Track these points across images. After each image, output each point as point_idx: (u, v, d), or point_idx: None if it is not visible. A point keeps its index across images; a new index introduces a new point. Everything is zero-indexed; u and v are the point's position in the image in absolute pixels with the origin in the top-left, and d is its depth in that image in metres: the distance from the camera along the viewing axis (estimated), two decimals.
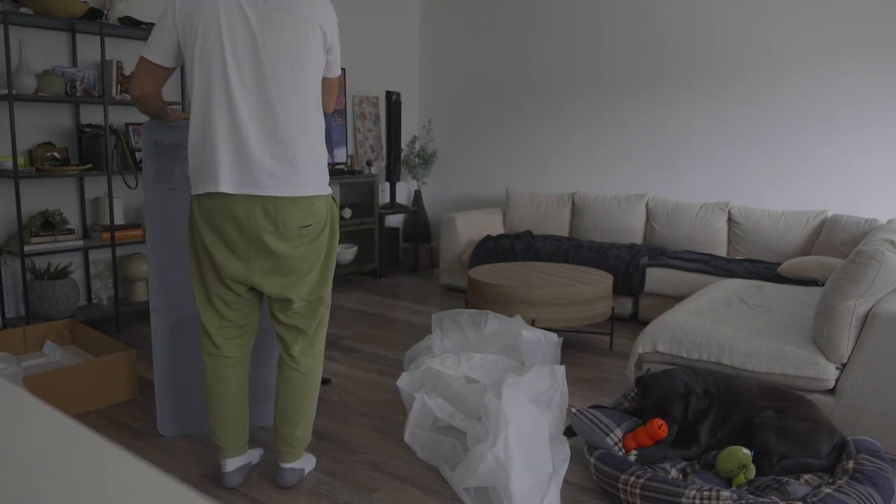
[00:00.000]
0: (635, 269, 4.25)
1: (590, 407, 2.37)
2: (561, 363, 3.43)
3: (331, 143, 5.35)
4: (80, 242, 3.87)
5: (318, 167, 2.08)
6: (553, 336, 3.20)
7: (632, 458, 2.24)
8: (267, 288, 2.10)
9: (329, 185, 2.15)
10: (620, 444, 2.27)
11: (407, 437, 2.54)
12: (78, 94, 3.78)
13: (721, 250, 4.64)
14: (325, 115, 2.17)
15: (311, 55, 2.02)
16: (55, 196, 3.93)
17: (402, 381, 2.83)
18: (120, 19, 3.94)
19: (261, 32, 1.96)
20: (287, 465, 2.25)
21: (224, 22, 1.95)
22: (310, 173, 2.05)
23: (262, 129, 1.98)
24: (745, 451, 2.14)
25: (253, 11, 1.96)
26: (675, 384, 2.29)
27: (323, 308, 2.22)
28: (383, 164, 5.96)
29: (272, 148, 1.99)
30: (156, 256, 2.58)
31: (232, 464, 2.24)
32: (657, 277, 4.23)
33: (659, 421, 2.23)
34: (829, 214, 4.36)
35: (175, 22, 2.01)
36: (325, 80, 2.16)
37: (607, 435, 2.25)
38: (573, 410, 2.32)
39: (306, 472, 2.33)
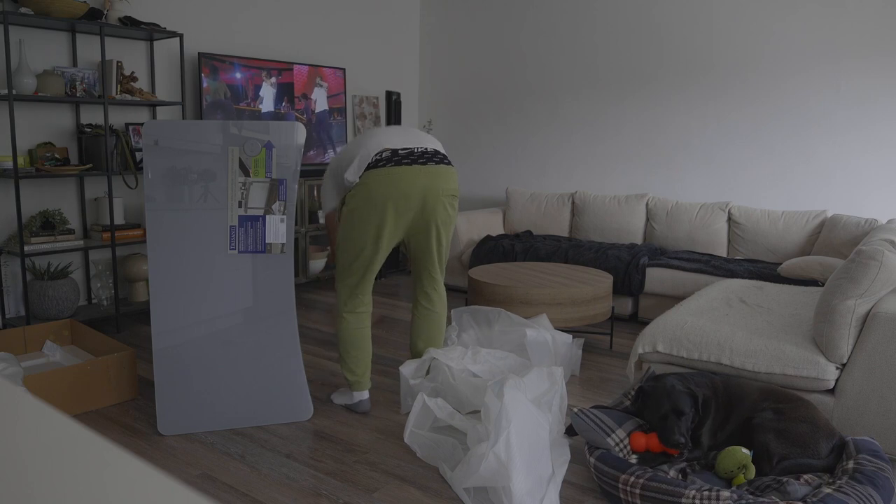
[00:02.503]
0: (635, 269, 4.25)
1: (592, 407, 2.37)
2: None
3: (332, 142, 5.35)
4: (80, 242, 3.87)
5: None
6: (566, 337, 3.21)
7: (633, 459, 2.24)
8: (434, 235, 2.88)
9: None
10: (622, 444, 2.26)
11: (407, 437, 2.54)
12: (78, 94, 3.78)
13: (721, 250, 4.64)
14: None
15: None
16: (55, 196, 3.93)
17: (406, 368, 2.90)
18: (120, 19, 3.94)
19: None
20: None
21: None
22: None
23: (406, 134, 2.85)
24: (745, 451, 2.14)
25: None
26: (675, 384, 2.29)
27: None
28: None
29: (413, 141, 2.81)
30: (157, 256, 2.58)
31: (366, 393, 2.91)
32: (657, 277, 4.23)
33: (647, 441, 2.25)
34: (829, 214, 4.36)
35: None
36: None
37: (608, 435, 2.25)
38: (574, 410, 2.32)
39: None
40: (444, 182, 2.73)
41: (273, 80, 4.87)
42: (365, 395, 2.91)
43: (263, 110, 4.82)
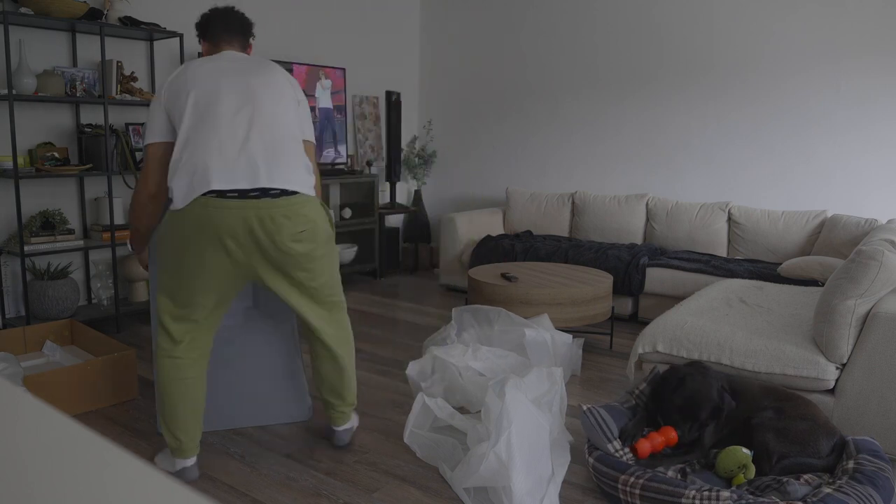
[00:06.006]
0: (635, 269, 4.25)
1: (600, 406, 2.35)
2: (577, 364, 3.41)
3: (334, 141, 5.35)
4: (80, 242, 3.87)
5: None
6: (566, 337, 3.21)
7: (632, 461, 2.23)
8: None
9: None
10: (622, 452, 2.26)
11: (406, 437, 2.54)
12: (78, 94, 3.78)
13: (721, 250, 4.64)
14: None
15: None
16: (55, 196, 3.93)
17: (411, 370, 2.90)
18: (120, 19, 3.94)
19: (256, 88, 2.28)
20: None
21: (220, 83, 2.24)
22: None
23: None
24: (745, 450, 2.14)
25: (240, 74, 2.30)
26: (710, 389, 2.27)
27: None
28: (383, 164, 5.96)
29: None
30: (157, 256, 2.57)
31: (193, 459, 2.33)
32: (657, 277, 4.23)
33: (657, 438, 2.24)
34: (829, 214, 4.36)
35: (163, 102, 2.24)
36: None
37: (609, 441, 2.25)
38: (584, 408, 2.31)
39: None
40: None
41: None
42: (190, 461, 2.31)
43: None
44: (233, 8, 2.44)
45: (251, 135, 2.14)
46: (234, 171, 2.09)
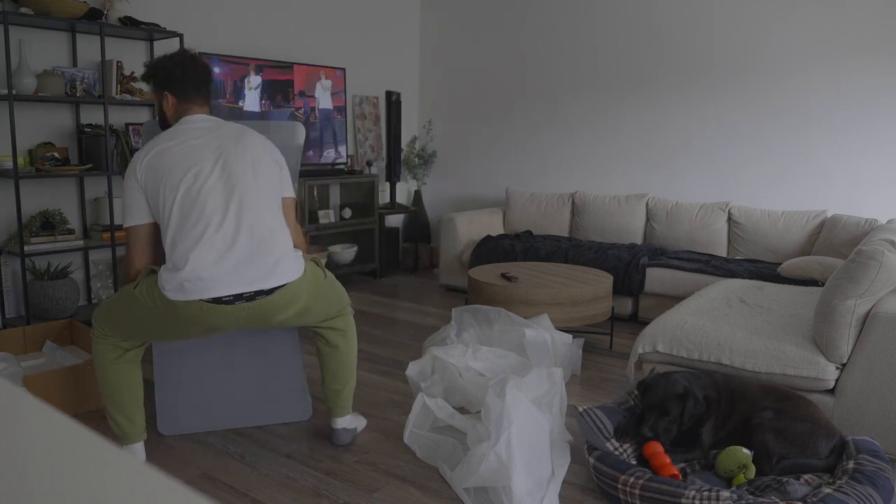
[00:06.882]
0: (635, 269, 4.25)
1: (596, 406, 2.36)
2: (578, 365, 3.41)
3: (334, 142, 5.35)
4: (80, 242, 3.87)
5: None
6: (566, 337, 3.21)
7: (633, 460, 2.24)
8: None
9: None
10: (621, 450, 2.26)
11: (406, 437, 2.54)
12: (78, 94, 3.78)
13: (721, 250, 4.64)
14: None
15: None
16: (55, 196, 3.93)
17: (411, 370, 2.90)
18: (120, 19, 3.94)
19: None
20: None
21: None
22: None
23: None
24: (745, 451, 2.14)
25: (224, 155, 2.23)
26: (675, 386, 2.29)
27: None
28: (383, 164, 5.96)
29: None
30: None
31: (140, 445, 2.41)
32: (657, 277, 4.23)
33: (651, 450, 2.21)
34: (829, 214, 4.36)
35: (141, 185, 2.18)
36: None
37: (608, 440, 2.25)
38: (579, 410, 2.32)
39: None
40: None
41: (258, 78, 4.86)
42: (136, 447, 2.37)
43: (254, 109, 4.82)
44: (194, 56, 2.32)
45: (240, 234, 2.10)
46: (229, 279, 2.07)
